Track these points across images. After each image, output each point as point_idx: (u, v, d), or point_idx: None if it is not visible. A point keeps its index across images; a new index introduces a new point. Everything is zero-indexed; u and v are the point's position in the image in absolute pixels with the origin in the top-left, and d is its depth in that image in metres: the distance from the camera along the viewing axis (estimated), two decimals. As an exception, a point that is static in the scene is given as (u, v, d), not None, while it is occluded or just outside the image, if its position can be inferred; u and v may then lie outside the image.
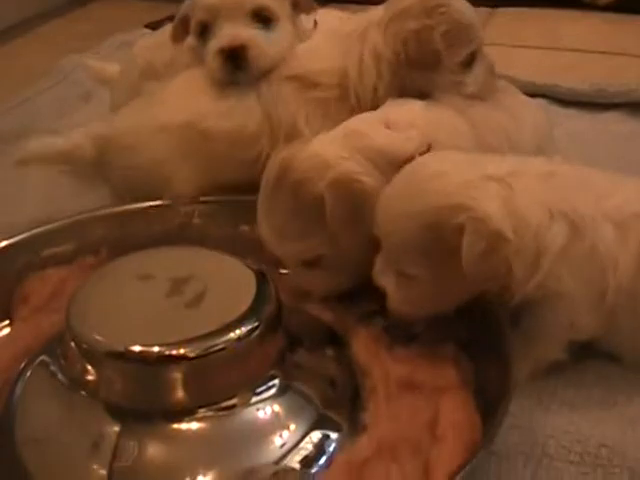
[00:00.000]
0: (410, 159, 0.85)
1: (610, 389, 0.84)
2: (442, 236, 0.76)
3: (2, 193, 1.24)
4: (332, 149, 0.87)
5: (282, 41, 1.06)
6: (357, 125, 0.91)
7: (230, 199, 1.02)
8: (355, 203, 0.83)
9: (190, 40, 1.11)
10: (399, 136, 0.88)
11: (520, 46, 1.71)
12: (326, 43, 1.08)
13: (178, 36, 1.11)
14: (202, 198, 1.02)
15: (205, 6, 1.05)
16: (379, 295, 0.82)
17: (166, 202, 1.02)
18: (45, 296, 0.93)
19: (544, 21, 1.89)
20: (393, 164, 0.85)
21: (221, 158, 1.02)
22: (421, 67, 0.98)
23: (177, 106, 1.04)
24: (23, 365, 0.81)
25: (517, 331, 0.82)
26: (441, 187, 0.78)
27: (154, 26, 1.86)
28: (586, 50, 1.72)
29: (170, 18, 1.89)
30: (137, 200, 1.03)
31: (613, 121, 1.38)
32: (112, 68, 1.31)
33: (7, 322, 0.94)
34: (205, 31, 1.06)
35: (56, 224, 0.99)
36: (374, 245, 0.83)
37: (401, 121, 0.91)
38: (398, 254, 0.80)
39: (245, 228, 0.99)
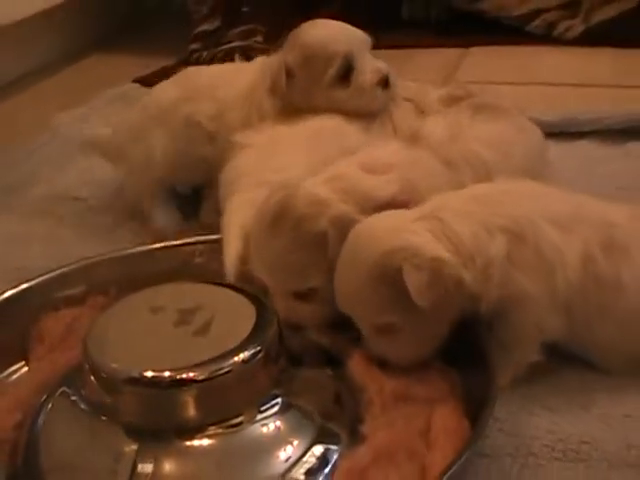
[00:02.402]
0: (391, 201, 0.92)
1: (587, 393, 0.90)
2: (391, 281, 0.83)
3: (9, 241, 1.31)
4: (324, 190, 0.93)
5: None
6: (340, 169, 0.97)
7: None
8: None
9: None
10: (380, 179, 0.95)
11: (494, 82, 1.77)
12: None
13: (281, 87, 1.20)
14: (201, 238, 1.09)
15: (346, 52, 1.19)
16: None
17: (169, 243, 1.09)
18: (59, 335, 0.99)
19: (515, 58, 1.96)
20: (375, 206, 0.91)
21: None
22: None
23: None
24: (44, 397, 0.87)
25: (493, 340, 0.88)
26: (373, 241, 0.85)
27: (143, 80, 1.95)
28: (557, 83, 1.79)
29: (157, 73, 1.99)
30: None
31: (586, 148, 1.46)
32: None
33: (23, 362, 0.98)
34: (347, 73, 1.20)
35: (68, 267, 1.04)
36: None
37: (378, 164, 0.97)
38: (367, 313, 0.86)
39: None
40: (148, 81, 1.90)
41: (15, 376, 0.98)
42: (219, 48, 2.01)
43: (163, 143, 1.26)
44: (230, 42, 2.02)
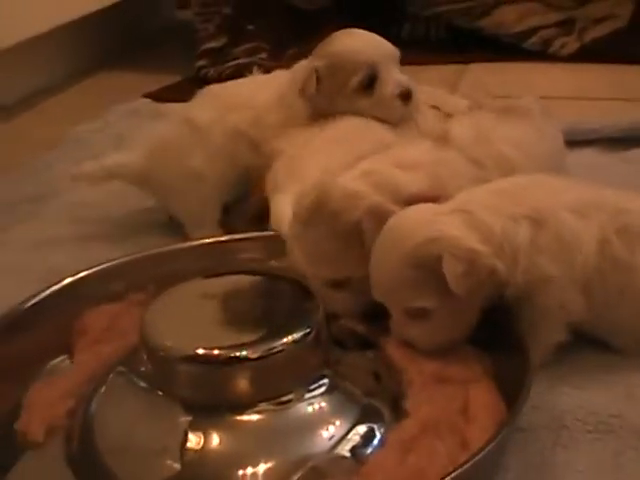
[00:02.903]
0: (422, 196, 0.97)
1: (608, 373, 0.96)
2: (428, 268, 0.88)
3: (38, 245, 1.36)
4: (358, 184, 0.98)
5: None
6: (372, 165, 1.02)
7: (260, 235, 1.14)
8: None
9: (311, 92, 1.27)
10: (409, 175, 1.00)
11: (494, 97, 1.80)
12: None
13: (310, 90, 1.26)
14: (236, 236, 1.15)
15: (372, 62, 1.26)
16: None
17: (208, 240, 1.14)
18: (102, 328, 1.02)
19: (513, 73, 2.03)
20: (407, 200, 0.96)
21: None
22: None
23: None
24: (96, 382, 0.91)
25: (521, 323, 0.93)
26: (410, 229, 0.91)
27: (153, 95, 2.00)
28: (553, 97, 1.83)
29: (167, 88, 2.04)
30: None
31: (589, 156, 1.53)
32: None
33: (65, 355, 1.02)
34: (371, 83, 1.26)
35: (109, 264, 1.08)
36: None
37: (409, 161, 1.03)
38: (401, 298, 0.91)
39: (274, 261, 1.09)
40: (159, 96, 1.95)
41: (59, 368, 1.01)
42: (226, 65, 2.06)
43: (208, 163, 1.29)
44: (236, 59, 2.08)
